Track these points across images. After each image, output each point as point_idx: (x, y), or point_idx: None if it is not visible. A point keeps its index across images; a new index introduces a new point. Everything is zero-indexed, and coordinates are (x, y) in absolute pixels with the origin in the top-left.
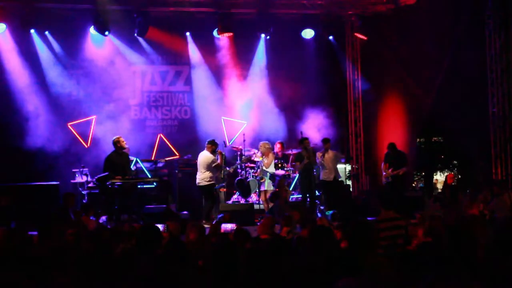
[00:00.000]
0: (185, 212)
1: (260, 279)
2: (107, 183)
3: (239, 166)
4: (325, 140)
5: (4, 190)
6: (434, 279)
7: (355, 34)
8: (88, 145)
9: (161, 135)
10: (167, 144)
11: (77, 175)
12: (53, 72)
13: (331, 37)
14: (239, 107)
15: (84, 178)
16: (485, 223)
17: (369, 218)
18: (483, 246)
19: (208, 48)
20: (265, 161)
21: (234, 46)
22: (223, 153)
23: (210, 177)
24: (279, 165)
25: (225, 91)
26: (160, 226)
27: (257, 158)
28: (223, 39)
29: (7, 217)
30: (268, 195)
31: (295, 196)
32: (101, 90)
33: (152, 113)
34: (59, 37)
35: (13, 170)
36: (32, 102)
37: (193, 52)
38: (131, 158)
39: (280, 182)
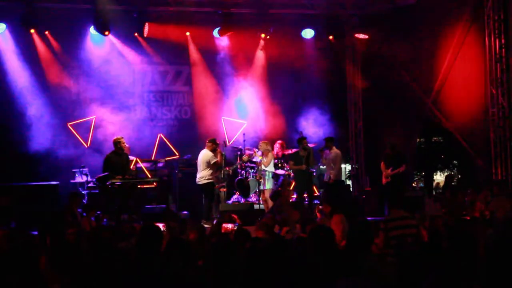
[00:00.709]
0: (185, 212)
1: (260, 279)
2: (107, 183)
3: (239, 166)
4: (327, 140)
5: (4, 190)
6: (434, 279)
7: (356, 34)
8: (88, 145)
9: (161, 135)
10: (167, 144)
11: (77, 175)
12: (53, 72)
13: (331, 37)
14: (239, 107)
15: (84, 178)
16: (485, 223)
17: (369, 218)
18: (483, 246)
19: (208, 48)
20: (264, 160)
21: (234, 46)
22: (223, 153)
23: (209, 175)
24: (279, 165)
25: (225, 91)
26: (160, 226)
27: (257, 157)
28: (223, 39)
29: (7, 217)
30: (267, 194)
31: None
32: (101, 90)
33: (152, 113)
34: (59, 37)
35: (13, 170)
36: (32, 102)
37: (193, 52)
38: (131, 158)
39: (284, 181)
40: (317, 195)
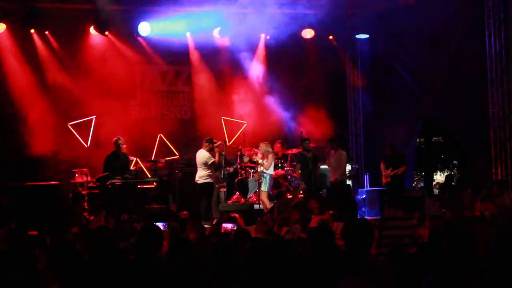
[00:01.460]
0: (185, 212)
1: (259, 279)
2: (107, 183)
3: (239, 166)
4: (332, 140)
5: (5, 190)
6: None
7: (356, 34)
8: (88, 145)
9: (161, 135)
10: (167, 144)
11: (77, 175)
12: (53, 72)
13: (331, 37)
14: (239, 107)
15: (84, 178)
16: (485, 223)
17: (369, 218)
18: (483, 245)
19: (208, 48)
20: (265, 162)
21: (234, 46)
22: (223, 153)
23: (207, 175)
24: (279, 165)
25: (225, 91)
26: (161, 226)
27: (258, 159)
28: (223, 39)
29: (7, 217)
30: (264, 196)
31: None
32: (101, 90)
33: (152, 113)
34: (59, 37)
35: (13, 170)
36: (31, 102)
37: (193, 52)
38: (131, 158)
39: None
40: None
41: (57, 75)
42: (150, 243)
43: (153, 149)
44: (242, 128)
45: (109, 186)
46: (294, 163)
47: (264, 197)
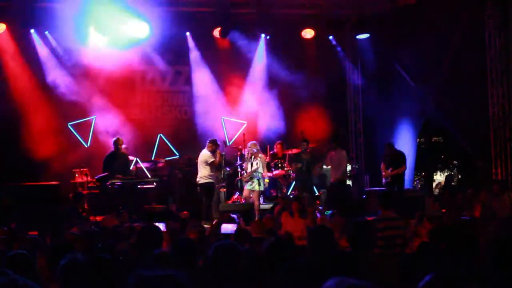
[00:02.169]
0: (185, 212)
1: (259, 279)
2: (107, 183)
3: (239, 167)
4: (332, 140)
5: (5, 190)
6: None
7: (356, 34)
8: (88, 145)
9: (161, 135)
10: (167, 144)
11: (77, 175)
12: (53, 72)
13: (331, 37)
14: (239, 107)
15: (84, 178)
16: (485, 223)
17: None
18: (483, 246)
19: (208, 48)
20: (256, 163)
21: (234, 46)
22: (223, 154)
23: (208, 175)
24: (279, 165)
25: (225, 91)
26: (161, 226)
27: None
28: (223, 39)
29: (7, 217)
30: (255, 195)
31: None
32: (101, 90)
33: (152, 113)
34: (59, 37)
35: (13, 170)
36: (31, 102)
37: (193, 52)
38: (131, 158)
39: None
40: (318, 196)
41: (57, 75)
42: (150, 243)
43: (153, 149)
44: (242, 128)
45: (109, 186)
46: (293, 163)
47: (256, 197)
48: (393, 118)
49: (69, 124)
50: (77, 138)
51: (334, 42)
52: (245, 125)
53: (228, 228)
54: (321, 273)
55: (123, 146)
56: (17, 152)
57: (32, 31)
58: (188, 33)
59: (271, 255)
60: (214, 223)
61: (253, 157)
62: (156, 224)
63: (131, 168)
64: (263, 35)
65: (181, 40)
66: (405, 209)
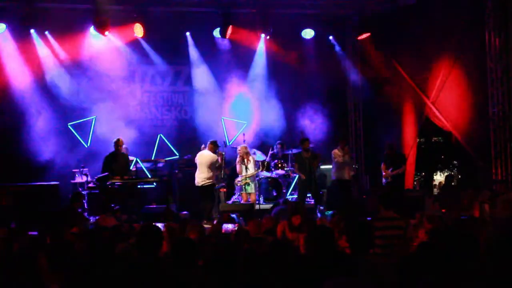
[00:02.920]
0: (185, 212)
1: (259, 279)
2: (107, 183)
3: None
4: (338, 140)
5: (4, 190)
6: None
7: (358, 36)
8: (88, 145)
9: (161, 135)
10: (167, 144)
11: (77, 175)
12: (53, 72)
13: (331, 37)
14: (239, 107)
15: (84, 178)
16: (485, 223)
17: (369, 218)
18: (483, 246)
19: (208, 48)
20: (249, 166)
21: (234, 46)
22: (223, 154)
23: (211, 178)
24: (279, 165)
25: (225, 91)
26: (161, 226)
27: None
28: (223, 39)
29: (7, 217)
30: (253, 197)
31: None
32: (101, 90)
33: (152, 113)
34: (59, 37)
35: (13, 170)
36: (31, 102)
37: (193, 52)
38: (131, 158)
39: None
40: (321, 195)
41: (57, 75)
42: (149, 243)
43: (153, 149)
44: (242, 128)
45: (109, 186)
46: (294, 163)
47: (254, 199)
48: (393, 118)
49: (69, 124)
50: (77, 138)
51: (334, 42)
52: (245, 125)
53: (228, 228)
54: (321, 273)
55: (123, 146)
56: (17, 152)
57: (32, 31)
58: (188, 33)
59: (271, 255)
60: (215, 223)
61: (245, 160)
62: (156, 224)
63: (131, 168)
64: (263, 35)
65: (181, 40)
66: (405, 209)
